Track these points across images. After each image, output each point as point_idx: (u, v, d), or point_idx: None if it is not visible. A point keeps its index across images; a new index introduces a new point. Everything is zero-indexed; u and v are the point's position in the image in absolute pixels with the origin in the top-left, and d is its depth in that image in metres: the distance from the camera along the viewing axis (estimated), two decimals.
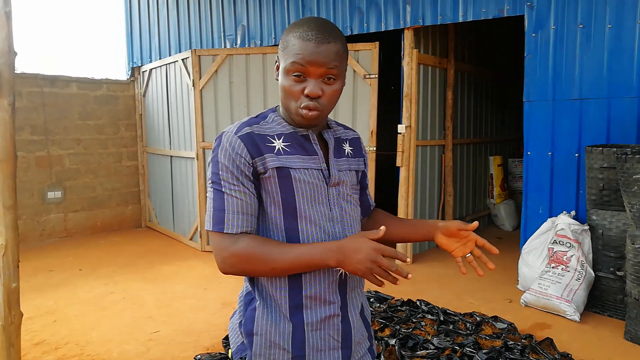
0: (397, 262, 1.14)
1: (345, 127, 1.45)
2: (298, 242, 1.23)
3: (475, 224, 1.29)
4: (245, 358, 1.30)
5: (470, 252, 1.35)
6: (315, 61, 1.17)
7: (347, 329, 1.30)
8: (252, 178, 1.21)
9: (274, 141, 1.24)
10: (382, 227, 1.15)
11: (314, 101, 1.20)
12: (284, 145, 1.24)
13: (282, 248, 1.18)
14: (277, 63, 1.28)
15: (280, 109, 1.32)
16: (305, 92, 1.19)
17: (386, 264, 1.10)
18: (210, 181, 1.24)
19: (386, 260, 1.10)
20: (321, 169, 1.27)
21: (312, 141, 1.28)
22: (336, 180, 1.29)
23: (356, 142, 1.44)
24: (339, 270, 1.26)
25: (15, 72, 2.28)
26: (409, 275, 1.10)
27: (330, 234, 1.26)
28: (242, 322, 1.31)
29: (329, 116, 1.42)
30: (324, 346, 1.27)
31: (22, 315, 2.41)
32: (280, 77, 1.25)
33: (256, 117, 1.30)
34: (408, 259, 1.11)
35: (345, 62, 1.26)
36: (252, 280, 1.31)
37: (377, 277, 1.11)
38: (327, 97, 1.22)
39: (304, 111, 1.21)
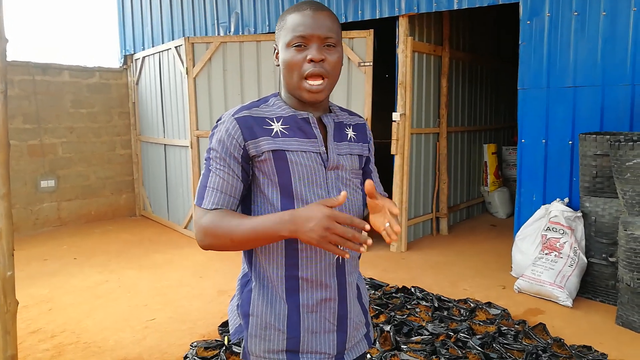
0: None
1: (351, 113, 1.44)
2: None
3: (369, 182, 1.13)
4: (242, 339, 1.32)
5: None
6: (315, 26, 1.20)
7: (343, 313, 1.31)
8: (240, 161, 1.23)
9: (273, 124, 1.25)
10: (343, 192, 1.08)
11: (318, 66, 1.21)
12: (282, 128, 1.25)
13: (239, 220, 1.18)
14: (275, 50, 1.29)
15: (282, 93, 1.32)
16: (309, 57, 1.20)
17: (340, 230, 1.03)
18: (204, 158, 1.28)
19: (341, 227, 1.03)
20: (319, 152, 1.27)
21: (312, 124, 1.28)
22: (334, 164, 1.29)
23: (361, 128, 1.42)
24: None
25: (7, 59, 2.25)
26: (369, 241, 1.04)
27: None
28: (239, 303, 1.33)
29: (334, 103, 1.42)
30: (319, 328, 1.28)
31: (18, 303, 2.41)
32: (281, 55, 1.26)
33: (258, 100, 1.31)
34: (367, 226, 1.05)
35: (341, 37, 1.28)
36: (250, 262, 1.33)
37: (334, 245, 1.05)
38: (331, 63, 1.23)
39: (309, 84, 1.21)
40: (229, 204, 1.25)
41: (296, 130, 1.26)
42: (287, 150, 1.23)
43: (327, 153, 1.28)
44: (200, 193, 1.26)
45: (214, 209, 1.23)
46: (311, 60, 1.20)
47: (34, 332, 3.38)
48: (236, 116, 1.23)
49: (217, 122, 1.28)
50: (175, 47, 5.73)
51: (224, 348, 2.99)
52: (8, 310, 2.35)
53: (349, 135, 1.36)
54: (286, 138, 1.24)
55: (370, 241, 1.04)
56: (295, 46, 1.21)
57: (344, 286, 1.31)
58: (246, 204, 1.31)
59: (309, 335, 1.27)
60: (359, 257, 1.41)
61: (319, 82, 1.22)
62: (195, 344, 3.09)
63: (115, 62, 7.34)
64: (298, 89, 1.23)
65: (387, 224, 1.16)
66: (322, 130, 1.31)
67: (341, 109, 1.42)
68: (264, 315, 1.27)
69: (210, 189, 1.24)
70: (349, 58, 5.00)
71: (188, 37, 5.51)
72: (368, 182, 1.12)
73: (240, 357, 1.38)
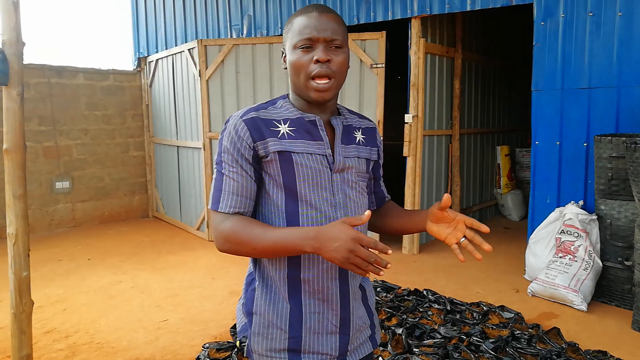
0: (382, 255, 1.11)
1: (361, 117, 1.45)
2: (298, 225, 1.24)
3: (447, 196, 1.24)
4: (247, 337, 1.34)
5: (464, 237, 1.28)
6: (321, 28, 1.22)
7: (345, 315, 1.31)
8: (251, 161, 1.25)
9: (280, 126, 1.26)
10: (367, 212, 1.11)
11: (324, 66, 1.22)
12: (289, 130, 1.26)
13: (262, 230, 1.18)
14: (283, 54, 1.31)
15: (291, 95, 1.33)
16: (315, 57, 1.22)
17: (364, 254, 1.05)
18: (215, 162, 1.29)
19: (364, 250, 1.05)
20: (325, 155, 1.27)
21: (319, 127, 1.29)
22: (340, 167, 1.29)
23: (370, 132, 1.43)
24: None
25: (23, 62, 2.28)
26: (388, 266, 1.06)
27: (332, 219, 1.26)
28: (244, 302, 1.35)
29: (344, 105, 1.43)
30: (322, 329, 1.29)
31: (33, 303, 2.43)
32: (288, 57, 1.27)
33: (266, 102, 1.33)
34: (389, 251, 1.06)
35: (347, 39, 1.29)
36: (254, 261, 1.35)
37: (356, 266, 1.06)
38: (337, 64, 1.24)
39: (316, 83, 1.22)
40: (246, 206, 1.26)
41: (303, 132, 1.27)
42: (293, 152, 1.24)
43: (333, 155, 1.29)
44: (216, 197, 1.26)
45: (234, 213, 1.24)
46: (317, 61, 1.22)
47: (49, 332, 3.42)
48: (244, 118, 1.25)
49: (225, 124, 1.29)
50: (188, 50, 5.77)
51: (236, 350, 3.00)
52: (24, 310, 2.38)
53: (357, 139, 1.37)
54: (292, 140, 1.25)
55: (390, 266, 1.06)
56: (302, 48, 1.23)
57: (346, 289, 1.31)
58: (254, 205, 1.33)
59: (311, 335, 1.28)
60: None
61: (325, 81, 1.23)
62: (207, 345, 3.10)
63: (129, 65, 7.41)
64: (305, 89, 1.25)
65: (463, 239, 1.24)
66: (329, 133, 1.31)
67: (351, 112, 1.43)
68: (266, 314, 1.29)
69: (226, 192, 1.25)
70: (361, 60, 5.00)
71: (201, 39, 5.54)
72: (446, 196, 1.24)
73: (244, 355, 1.40)
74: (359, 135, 1.38)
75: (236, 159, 1.24)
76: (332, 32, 1.23)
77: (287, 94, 1.35)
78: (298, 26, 1.24)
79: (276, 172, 1.25)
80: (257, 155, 1.24)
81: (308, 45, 1.23)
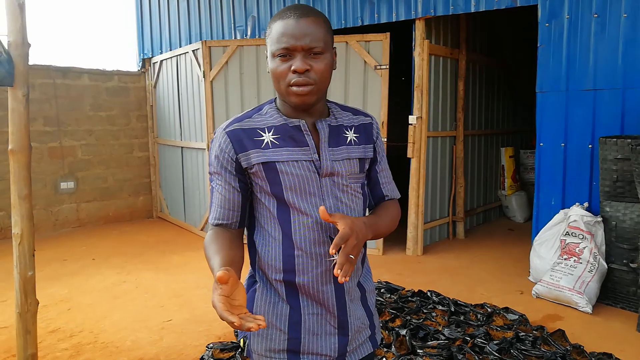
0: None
1: (356, 112, 1.40)
2: (290, 231, 1.25)
3: (321, 209, 1.15)
4: (247, 337, 1.36)
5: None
6: (298, 36, 1.18)
7: (343, 317, 1.32)
8: (235, 173, 1.26)
9: (264, 134, 1.25)
10: (221, 271, 0.98)
11: (302, 76, 1.19)
12: (273, 138, 1.25)
13: (210, 253, 1.21)
14: (267, 58, 1.29)
15: (278, 99, 1.32)
16: (292, 68, 1.19)
17: (226, 320, 0.95)
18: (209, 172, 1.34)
19: (225, 315, 0.95)
20: (312, 160, 1.26)
21: (304, 132, 1.27)
22: (328, 171, 1.27)
23: (365, 128, 1.37)
24: (332, 260, 1.27)
25: (28, 63, 2.29)
26: (253, 325, 0.94)
27: (323, 225, 1.26)
28: None
29: (336, 103, 1.39)
30: (320, 330, 1.30)
31: (38, 303, 2.44)
32: (269, 63, 1.25)
33: (252, 109, 1.32)
34: (236, 322, 0.94)
35: (331, 39, 1.25)
36: (253, 264, 1.36)
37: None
38: (317, 71, 1.20)
39: (294, 88, 1.20)
40: (229, 217, 1.30)
41: (287, 139, 1.25)
42: (277, 161, 1.23)
43: (320, 160, 1.27)
44: (210, 209, 1.33)
45: (216, 225, 1.30)
46: (295, 71, 1.19)
47: (53, 332, 3.43)
48: (227, 130, 1.26)
49: (214, 134, 1.31)
50: (193, 51, 5.78)
51: (240, 350, 3.00)
52: (29, 309, 2.39)
53: (348, 139, 1.33)
54: (276, 148, 1.24)
55: (262, 324, 0.95)
56: (280, 56, 1.20)
57: (341, 292, 1.31)
58: (250, 211, 1.34)
59: (310, 337, 1.29)
60: (364, 261, 1.41)
61: (304, 88, 1.20)
62: (211, 345, 3.11)
63: (134, 66, 7.43)
64: (286, 94, 1.23)
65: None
66: (316, 136, 1.29)
67: (345, 108, 1.39)
68: (266, 315, 1.30)
69: (214, 204, 1.31)
70: (365, 61, 5.00)
71: (205, 40, 5.55)
72: (321, 210, 1.14)
73: (245, 355, 1.41)
74: (350, 135, 1.34)
75: (220, 172, 1.27)
76: (311, 39, 1.18)
77: (275, 98, 1.33)
78: (276, 33, 1.20)
79: (263, 182, 1.25)
80: (241, 167, 1.25)
81: (286, 53, 1.19)
